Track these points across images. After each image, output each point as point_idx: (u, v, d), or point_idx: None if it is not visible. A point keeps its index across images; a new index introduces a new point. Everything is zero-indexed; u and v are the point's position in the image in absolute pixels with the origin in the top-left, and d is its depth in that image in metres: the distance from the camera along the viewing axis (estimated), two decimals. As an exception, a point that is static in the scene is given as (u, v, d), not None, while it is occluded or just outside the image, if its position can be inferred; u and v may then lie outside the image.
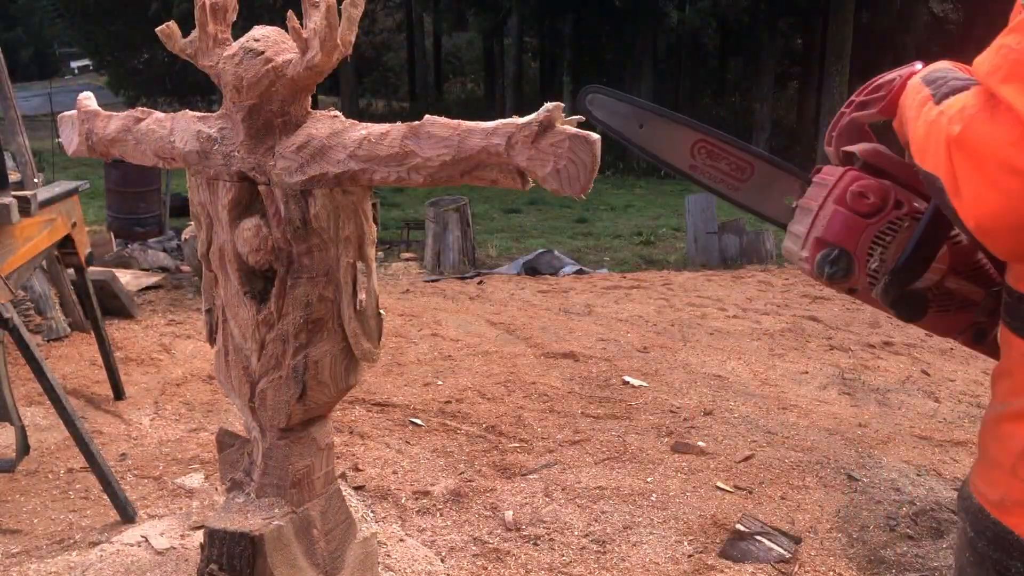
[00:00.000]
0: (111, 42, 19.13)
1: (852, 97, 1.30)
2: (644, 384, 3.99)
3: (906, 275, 1.13)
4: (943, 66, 1.05)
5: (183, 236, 6.09)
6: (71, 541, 2.46)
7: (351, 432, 3.31)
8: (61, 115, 1.13)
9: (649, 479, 2.97)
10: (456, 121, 0.86)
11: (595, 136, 0.79)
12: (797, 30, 22.22)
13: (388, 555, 1.23)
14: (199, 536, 1.13)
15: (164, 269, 6.21)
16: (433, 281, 6.65)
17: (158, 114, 1.09)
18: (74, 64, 34.46)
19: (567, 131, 0.80)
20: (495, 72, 25.82)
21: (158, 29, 1.02)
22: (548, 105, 0.81)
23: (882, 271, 1.16)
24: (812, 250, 1.15)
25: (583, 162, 0.79)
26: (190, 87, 18.54)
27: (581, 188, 0.81)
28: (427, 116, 0.88)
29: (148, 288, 5.56)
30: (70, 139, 1.12)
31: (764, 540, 2.52)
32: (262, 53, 0.94)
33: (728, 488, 2.92)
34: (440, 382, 3.93)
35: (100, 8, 18.19)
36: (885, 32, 18.93)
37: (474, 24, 23.55)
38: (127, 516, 2.57)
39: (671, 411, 3.65)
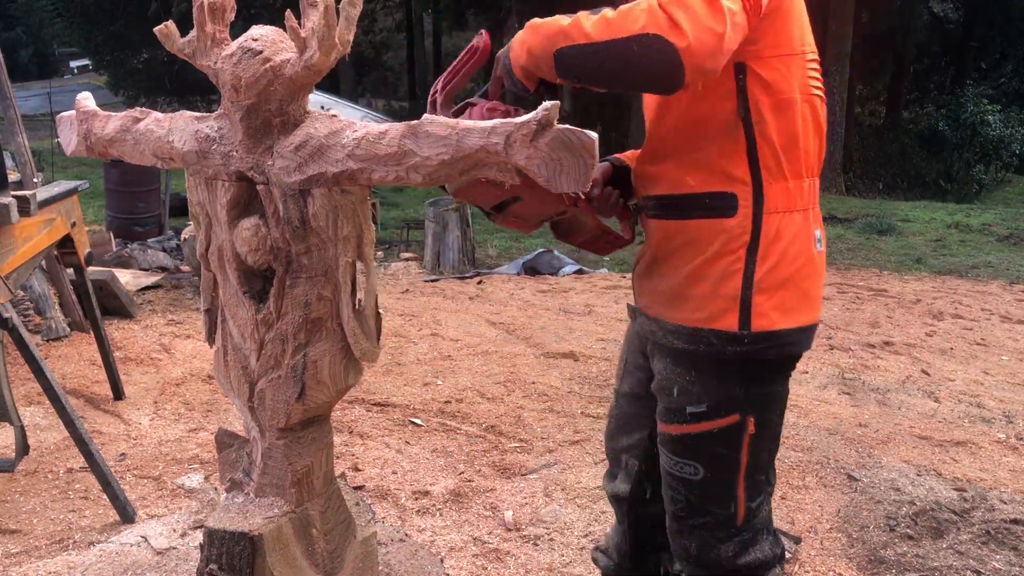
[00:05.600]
0: (110, 42, 19.13)
1: (438, 84, 1.47)
2: (644, 384, 3.99)
3: None
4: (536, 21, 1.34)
5: (183, 236, 6.10)
6: (70, 541, 2.46)
7: (351, 432, 3.31)
8: (60, 115, 1.13)
9: (649, 479, 2.98)
10: (454, 120, 0.86)
11: (592, 134, 0.79)
12: (797, 30, 22.19)
13: (388, 555, 1.23)
14: (199, 536, 1.13)
15: (164, 269, 6.21)
16: (433, 281, 6.65)
17: (156, 114, 1.09)
18: (74, 64, 34.50)
19: (564, 129, 0.80)
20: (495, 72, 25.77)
21: (156, 29, 1.02)
22: (546, 104, 0.81)
23: None
24: None
25: (580, 160, 0.80)
26: (190, 87, 18.53)
27: (579, 185, 0.81)
28: (425, 115, 0.89)
29: (148, 288, 5.56)
30: (69, 139, 1.12)
31: (764, 540, 2.52)
32: (260, 53, 0.94)
33: (728, 488, 2.92)
34: (440, 382, 3.93)
35: (99, 8, 18.17)
36: (885, 32, 18.93)
37: (474, 24, 23.55)
38: (127, 516, 2.57)
39: (671, 411, 3.65)
